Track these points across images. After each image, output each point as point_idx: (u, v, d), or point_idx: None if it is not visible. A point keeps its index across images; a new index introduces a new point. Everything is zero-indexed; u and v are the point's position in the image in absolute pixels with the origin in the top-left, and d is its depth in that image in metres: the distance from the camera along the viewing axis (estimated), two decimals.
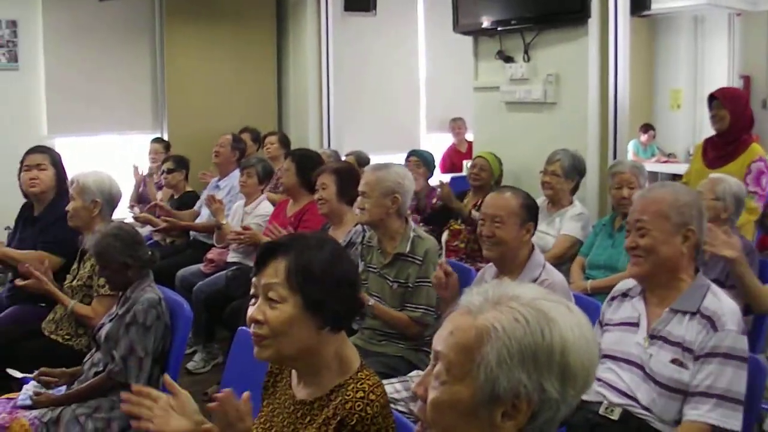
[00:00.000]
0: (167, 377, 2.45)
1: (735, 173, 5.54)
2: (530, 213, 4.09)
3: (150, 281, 4.29)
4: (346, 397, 2.34)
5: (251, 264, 6.18)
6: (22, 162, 5.72)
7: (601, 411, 3.27)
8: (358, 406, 2.31)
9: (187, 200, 8.06)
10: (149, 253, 4.34)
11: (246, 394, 2.47)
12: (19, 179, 6.14)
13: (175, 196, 8.22)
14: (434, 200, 7.30)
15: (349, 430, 2.30)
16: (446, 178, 9.51)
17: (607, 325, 3.48)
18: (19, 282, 4.95)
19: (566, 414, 1.74)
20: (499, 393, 1.68)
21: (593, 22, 6.47)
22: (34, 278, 4.85)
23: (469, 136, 11.02)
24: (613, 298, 3.58)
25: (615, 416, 3.24)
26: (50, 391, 4.23)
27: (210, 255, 6.93)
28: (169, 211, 7.54)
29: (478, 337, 1.71)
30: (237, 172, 7.47)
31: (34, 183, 5.49)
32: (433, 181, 7.74)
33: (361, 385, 2.37)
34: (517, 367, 1.67)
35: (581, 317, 1.77)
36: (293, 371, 2.56)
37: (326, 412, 2.36)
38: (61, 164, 5.61)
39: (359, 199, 4.71)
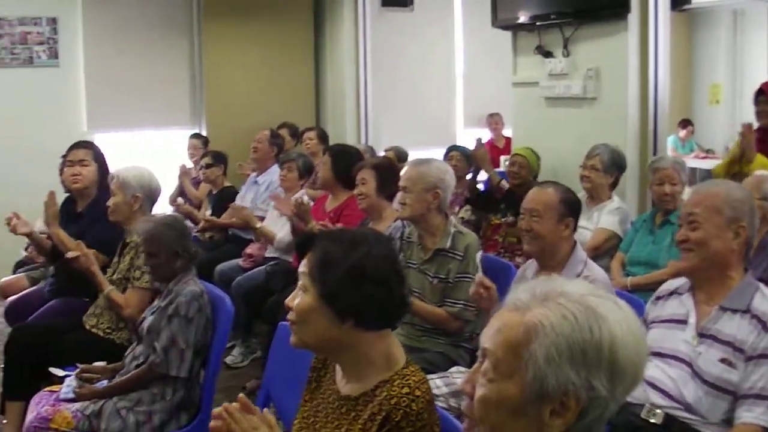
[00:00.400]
0: (242, 396, 2.42)
1: None
2: (570, 208, 4.07)
3: (193, 275, 4.33)
4: (392, 393, 2.34)
5: (290, 259, 6.29)
6: (64, 157, 5.76)
7: (643, 414, 3.25)
8: (404, 402, 2.31)
9: (226, 195, 8.08)
10: (195, 249, 4.38)
11: (266, 410, 2.45)
12: (60, 175, 6.22)
13: (214, 191, 8.26)
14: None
15: (394, 425, 2.30)
16: (484, 175, 9.50)
17: (653, 322, 3.45)
18: (69, 254, 4.95)
19: (614, 411, 1.73)
20: (548, 390, 1.67)
21: (633, 16, 6.42)
22: (83, 254, 4.88)
23: (507, 132, 11.00)
24: (658, 298, 3.55)
25: (657, 420, 3.22)
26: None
27: (249, 250, 6.96)
28: (214, 223, 7.59)
29: (526, 334, 1.70)
30: (275, 168, 7.50)
31: (76, 179, 5.53)
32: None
33: (406, 381, 2.37)
34: (566, 364, 1.65)
35: (629, 313, 1.75)
36: (338, 367, 2.57)
37: (371, 408, 2.36)
38: (104, 160, 5.63)
39: (400, 194, 4.70)
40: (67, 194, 5.89)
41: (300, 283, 2.48)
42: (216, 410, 2.37)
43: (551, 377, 1.66)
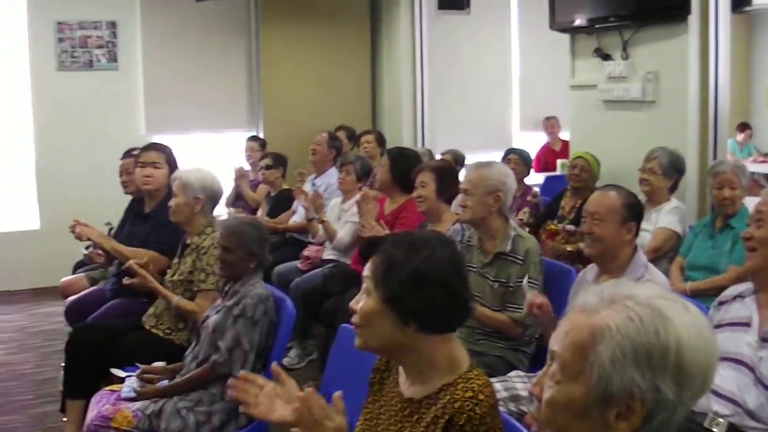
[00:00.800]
0: (275, 365, 2.47)
1: None
2: (632, 212, 4.04)
3: (259, 278, 4.37)
4: (455, 396, 2.34)
5: (348, 261, 6.30)
6: (136, 158, 5.83)
7: (706, 423, 3.21)
8: (467, 405, 2.31)
9: (284, 198, 8.13)
10: (269, 256, 4.43)
11: (337, 393, 2.48)
12: (120, 176, 6.30)
13: (272, 194, 8.30)
14: (529, 197, 7.27)
15: (458, 429, 2.30)
16: (541, 178, 9.47)
17: (716, 327, 3.41)
18: (126, 281, 5.04)
19: (683, 416, 1.71)
20: (613, 393, 1.66)
21: (693, 18, 6.35)
22: (139, 276, 4.94)
23: (563, 135, 10.95)
24: (722, 302, 3.51)
25: (720, 430, 3.18)
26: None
27: (306, 252, 6.99)
28: (272, 227, 7.62)
29: (592, 336, 1.69)
30: (333, 170, 7.54)
31: (147, 180, 5.60)
32: (529, 181, 7.71)
33: (470, 384, 2.37)
34: (631, 366, 1.64)
35: (699, 317, 1.73)
36: (401, 369, 2.57)
37: (434, 411, 2.36)
38: (175, 163, 5.69)
39: (460, 196, 4.68)
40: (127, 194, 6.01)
41: (364, 286, 2.49)
42: (243, 373, 2.48)
43: (616, 379, 1.65)
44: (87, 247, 7.19)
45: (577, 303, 1.80)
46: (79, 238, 5.59)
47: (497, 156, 7.76)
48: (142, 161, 5.68)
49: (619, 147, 6.96)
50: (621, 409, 1.67)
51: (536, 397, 1.81)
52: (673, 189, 6.02)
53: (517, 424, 2.58)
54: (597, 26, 7.08)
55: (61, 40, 9.53)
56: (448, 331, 2.48)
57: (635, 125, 6.89)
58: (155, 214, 5.49)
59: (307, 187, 7.98)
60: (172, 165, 5.59)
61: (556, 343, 1.78)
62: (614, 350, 1.66)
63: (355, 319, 2.50)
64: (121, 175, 6.42)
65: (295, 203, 7.86)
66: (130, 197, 6.33)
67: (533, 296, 3.90)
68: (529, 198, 7.26)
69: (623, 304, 1.71)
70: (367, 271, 2.49)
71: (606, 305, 1.72)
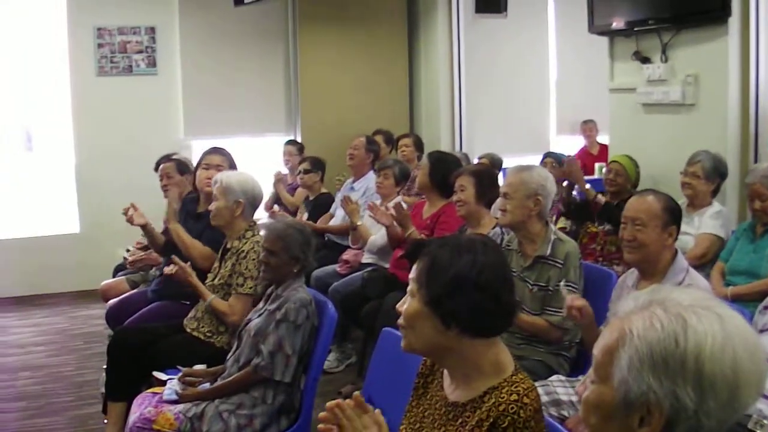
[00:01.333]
0: (357, 394, 2.46)
1: None
2: (673, 216, 4.01)
3: (302, 282, 4.38)
4: (500, 400, 2.34)
5: (386, 265, 6.31)
6: (200, 160, 5.94)
7: (750, 425, 3.17)
8: (512, 408, 2.32)
9: (322, 202, 8.15)
10: (312, 261, 4.45)
11: (377, 411, 2.48)
12: (161, 180, 6.36)
13: (311, 197, 8.32)
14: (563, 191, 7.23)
15: None
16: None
17: (761, 331, 3.39)
18: (167, 269, 5.08)
19: (720, 428, 1.68)
20: (631, 398, 1.66)
21: (734, 20, 6.30)
22: (180, 268, 4.98)
23: (601, 138, 10.91)
24: (766, 307, 3.49)
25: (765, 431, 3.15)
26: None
27: (345, 256, 6.99)
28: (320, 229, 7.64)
29: (618, 341, 1.70)
30: (371, 174, 7.55)
31: (209, 182, 5.64)
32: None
33: (515, 388, 2.37)
34: (647, 372, 1.64)
35: (733, 328, 1.68)
36: (445, 373, 2.58)
37: (479, 414, 2.36)
38: (236, 167, 5.75)
39: (500, 200, 4.68)
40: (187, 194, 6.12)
41: (409, 288, 2.50)
42: (330, 403, 2.40)
43: (633, 384, 1.65)
44: (127, 250, 7.28)
45: (620, 307, 1.80)
46: (130, 221, 5.74)
47: (534, 160, 7.74)
48: (206, 164, 5.81)
49: (658, 150, 6.93)
50: (643, 414, 1.66)
51: (579, 395, 1.82)
52: (715, 193, 5.98)
53: (560, 427, 2.58)
54: (636, 29, 7.04)
55: (100, 45, 9.61)
56: (491, 335, 2.48)
57: (675, 128, 6.85)
58: (208, 213, 5.54)
59: (345, 193, 7.99)
60: (234, 167, 5.64)
61: (596, 344, 1.79)
62: (632, 355, 1.66)
63: (400, 320, 2.51)
64: (161, 179, 6.47)
65: (334, 206, 7.87)
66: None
67: (572, 299, 3.89)
68: (564, 187, 7.22)
69: (651, 309, 1.71)
70: (412, 273, 2.50)
71: (638, 310, 1.73)
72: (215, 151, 5.96)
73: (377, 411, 2.47)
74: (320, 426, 2.40)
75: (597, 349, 1.76)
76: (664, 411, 1.63)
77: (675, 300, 1.71)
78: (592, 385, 1.76)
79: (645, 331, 1.66)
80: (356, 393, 2.46)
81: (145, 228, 5.87)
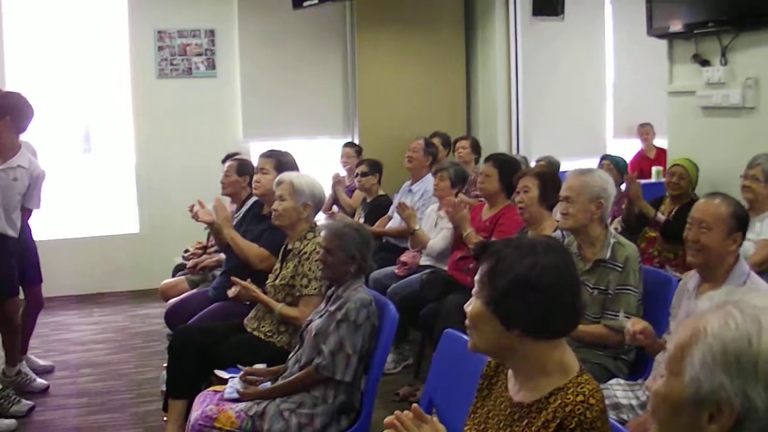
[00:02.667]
0: (415, 406, 2.49)
1: None
2: (740, 223, 3.99)
3: (362, 283, 4.40)
4: (566, 401, 2.36)
5: (445, 267, 6.32)
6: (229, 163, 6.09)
7: None
8: (578, 409, 2.33)
9: (380, 204, 8.19)
10: (371, 263, 4.48)
11: (435, 419, 2.50)
12: (222, 180, 6.49)
13: (368, 200, 8.35)
14: (623, 205, 7.19)
15: None
16: None
17: None
18: (230, 293, 5.16)
19: None
20: (702, 395, 1.66)
21: None
22: (242, 288, 5.06)
23: (658, 142, 10.83)
24: None
25: None
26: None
27: (403, 258, 7.00)
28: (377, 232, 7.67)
29: (691, 337, 1.71)
30: (430, 177, 7.55)
31: (256, 185, 5.82)
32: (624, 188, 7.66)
33: (581, 389, 2.38)
34: (720, 370, 1.65)
35: None
36: (510, 374, 2.60)
37: (545, 415, 2.37)
38: (286, 168, 5.74)
39: (563, 204, 4.65)
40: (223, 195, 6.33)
41: (474, 289, 2.52)
42: (388, 419, 2.43)
43: (705, 381, 1.66)
44: (186, 251, 7.37)
45: (697, 306, 1.81)
46: (195, 217, 5.83)
47: (591, 163, 7.72)
48: (257, 167, 5.91)
49: (718, 154, 6.87)
50: (712, 411, 1.67)
51: (649, 389, 1.84)
52: None
53: (623, 428, 2.59)
54: (695, 32, 6.98)
55: (161, 48, 9.75)
56: (554, 338, 2.49)
57: (734, 132, 6.78)
58: (270, 215, 5.60)
59: (402, 195, 8.02)
60: (282, 170, 5.66)
61: (670, 338, 1.81)
62: (705, 353, 1.67)
63: (466, 321, 2.53)
64: (223, 180, 6.55)
65: (391, 208, 7.89)
66: (228, 199, 6.48)
67: (633, 323, 3.90)
68: (624, 205, 7.18)
69: (726, 310, 1.71)
70: (478, 274, 2.52)
71: (713, 310, 1.74)
72: (264, 154, 6.02)
73: (435, 419, 2.50)
74: None
75: (671, 345, 1.78)
76: (735, 409, 1.64)
77: (750, 302, 1.72)
78: (661, 378, 1.78)
79: (719, 330, 1.67)
80: (414, 405, 2.48)
81: (212, 226, 5.92)
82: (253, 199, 6.12)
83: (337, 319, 4.17)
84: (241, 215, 6.15)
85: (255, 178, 5.86)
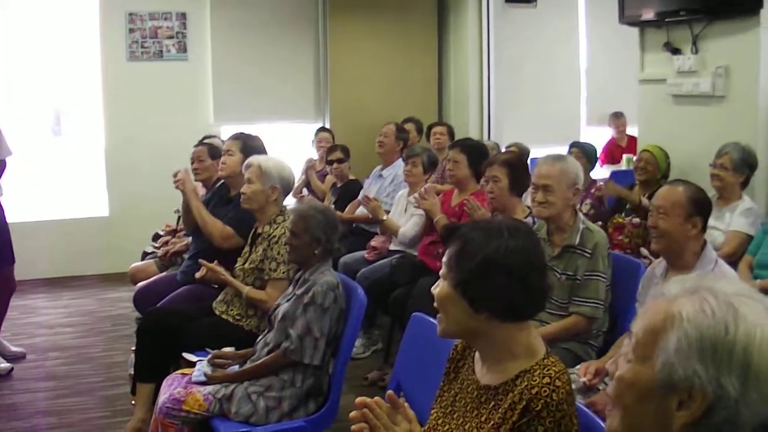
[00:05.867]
0: (391, 393, 2.49)
1: None
2: (698, 207, 4.01)
3: (329, 266, 4.41)
4: (533, 383, 2.36)
5: (415, 253, 6.31)
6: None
7: None
8: (545, 391, 2.34)
9: (350, 189, 8.18)
10: (338, 246, 4.46)
11: (405, 404, 2.52)
12: (191, 164, 6.45)
13: (339, 185, 8.34)
14: (593, 191, 7.22)
15: (535, 415, 2.32)
16: (606, 172, 9.41)
17: None
18: (198, 275, 5.15)
19: (754, 420, 1.67)
20: (674, 381, 1.65)
21: (765, 12, 6.23)
22: (208, 270, 5.04)
23: (630, 131, 10.86)
24: None
25: None
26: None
27: (373, 243, 7.01)
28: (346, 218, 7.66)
29: (664, 322, 1.69)
30: (400, 162, 7.56)
31: (222, 167, 5.82)
32: (594, 174, 7.68)
33: (547, 371, 2.39)
34: (695, 357, 1.63)
35: None
36: (477, 357, 2.60)
37: (511, 397, 2.38)
38: (252, 150, 5.72)
39: (539, 193, 4.58)
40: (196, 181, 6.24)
41: (441, 271, 2.53)
42: (359, 399, 2.43)
43: (679, 368, 1.65)
44: (155, 236, 7.35)
45: (664, 289, 1.80)
46: (177, 184, 5.75)
47: (563, 150, 7.71)
48: (224, 149, 5.92)
49: (688, 142, 6.90)
50: (683, 398, 1.66)
51: (612, 374, 1.82)
52: (744, 185, 5.97)
53: (590, 412, 2.59)
54: (667, 20, 7.00)
55: (131, 30, 9.66)
56: (521, 320, 2.50)
57: (705, 120, 6.82)
58: (237, 197, 5.58)
59: (372, 180, 8.02)
60: (248, 152, 5.64)
61: (634, 323, 1.79)
62: (681, 339, 1.66)
63: (435, 304, 2.54)
64: (192, 163, 6.51)
65: (361, 193, 7.88)
66: (199, 184, 6.45)
67: (585, 369, 4.05)
68: (593, 191, 7.21)
69: (701, 295, 1.70)
70: (444, 256, 2.53)
71: (686, 294, 1.72)
72: (231, 136, 6.04)
73: (405, 404, 2.50)
74: (354, 427, 2.43)
75: (638, 329, 1.76)
76: (707, 397, 1.64)
77: (722, 288, 1.71)
78: (627, 364, 1.76)
79: (695, 316, 1.66)
80: (390, 392, 2.48)
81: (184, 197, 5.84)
82: (221, 182, 6.08)
83: (304, 303, 4.17)
84: (207, 198, 6.12)
85: (221, 160, 5.86)
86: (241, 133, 6.05)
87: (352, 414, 2.42)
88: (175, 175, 5.77)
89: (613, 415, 1.80)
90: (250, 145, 5.79)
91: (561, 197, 4.54)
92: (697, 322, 1.66)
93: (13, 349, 6.90)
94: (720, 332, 1.63)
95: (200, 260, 5.21)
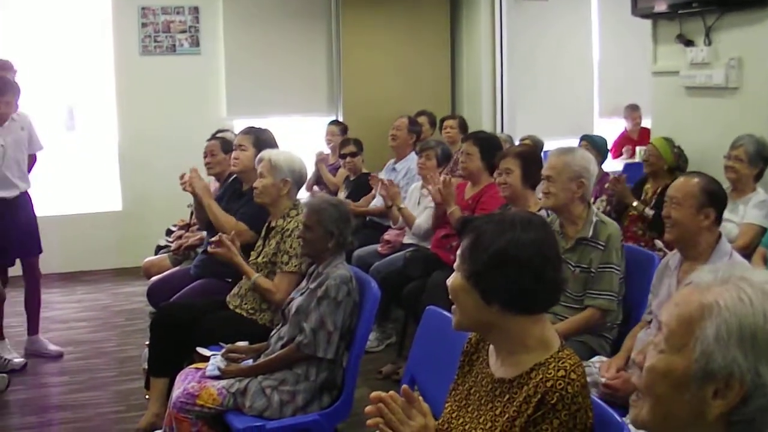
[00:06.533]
0: (406, 387, 2.48)
1: None
2: (711, 198, 4.02)
3: (342, 260, 4.41)
4: (548, 376, 2.37)
5: (428, 246, 6.31)
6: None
7: None
8: (559, 384, 2.34)
9: (364, 182, 8.16)
10: (351, 239, 4.46)
11: (415, 393, 2.50)
12: (204, 158, 6.46)
13: (352, 178, 8.35)
14: (606, 185, 7.19)
15: (550, 408, 2.33)
16: (619, 165, 9.39)
17: None
18: (211, 248, 5.11)
19: None
20: (713, 369, 1.64)
21: None
22: (225, 247, 5.02)
23: (644, 123, 10.81)
24: None
25: None
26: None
27: (386, 236, 7.01)
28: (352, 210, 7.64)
29: (701, 311, 1.68)
30: (413, 155, 7.56)
31: (234, 162, 5.79)
32: (607, 167, 7.66)
33: (562, 364, 2.39)
34: (735, 345, 1.63)
35: None
36: (491, 350, 2.60)
37: (526, 390, 2.38)
38: (264, 145, 5.71)
39: (544, 183, 4.66)
40: (209, 176, 6.38)
41: (456, 263, 2.54)
42: (374, 394, 2.43)
43: (718, 356, 1.64)
44: (169, 231, 7.35)
45: (692, 279, 1.80)
46: (184, 186, 5.75)
47: (576, 142, 7.71)
48: (235, 144, 5.88)
49: (701, 134, 6.87)
50: (719, 387, 1.65)
51: (639, 365, 1.81)
52: (758, 177, 5.94)
53: (604, 405, 2.59)
54: (679, 12, 6.96)
55: (144, 25, 9.68)
56: (534, 312, 2.50)
57: (718, 112, 6.78)
58: (249, 191, 5.58)
59: (385, 173, 8.02)
60: (260, 146, 5.65)
61: (664, 313, 1.77)
62: (720, 327, 1.65)
63: (449, 295, 2.55)
64: (205, 156, 6.51)
65: (375, 189, 7.89)
66: (212, 178, 6.47)
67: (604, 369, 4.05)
68: (606, 185, 7.18)
69: (736, 284, 1.69)
70: (459, 248, 2.54)
71: (719, 283, 1.71)
72: (242, 131, 6.03)
73: (419, 398, 2.50)
74: (369, 422, 2.43)
75: (670, 318, 1.74)
76: (745, 385, 1.63)
77: (755, 277, 1.71)
78: (660, 354, 1.74)
79: (734, 304, 1.66)
80: (405, 386, 2.48)
81: (195, 198, 5.83)
82: (234, 176, 6.08)
83: (318, 296, 4.17)
84: (221, 193, 6.12)
85: (234, 155, 5.83)
86: (252, 127, 6.04)
87: (368, 408, 2.42)
88: (181, 177, 5.76)
89: (639, 405, 1.79)
90: (261, 139, 5.78)
91: (562, 188, 4.56)
92: (735, 311, 1.65)
93: (52, 348, 6.92)
94: (759, 321, 1.63)
95: (219, 234, 5.20)
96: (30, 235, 6.80)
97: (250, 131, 5.93)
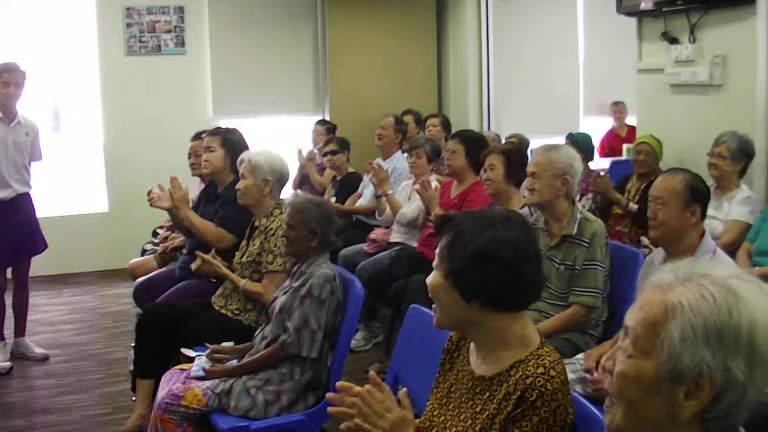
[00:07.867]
0: (373, 374, 2.49)
1: None
2: (696, 195, 4.03)
3: (326, 259, 4.40)
4: (527, 373, 2.37)
5: (414, 244, 6.32)
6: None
7: None
8: (539, 381, 2.34)
9: (350, 181, 8.17)
10: (335, 239, 4.46)
11: (403, 391, 2.53)
12: (188, 158, 6.44)
13: (338, 178, 8.34)
14: (590, 181, 7.20)
15: (529, 405, 2.33)
16: (606, 163, 9.39)
17: None
18: (193, 266, 5.12)
19: (755, 397, 1.69)
20: (682, 370, 1.65)
21: (762, 1, 6.24)
22: (205, 262, 5.03)
23: (629, 120, 10.84)
24: None
25: None
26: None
27: (373, 235, 7.01)
28: (339, 209, 7.63)
29: (664, 313, 1.68)
30: (399, 154, 7.58)
31: (204, 164, 5.74)
32: (594, 165, 7.67)
33: (541, 361, 2.39)
34: (701, 344, 1.63)
35: None
36: (472, 348, 2.60)
37: (506, 388, 2.38)
38: (233, 145, 5.71)
39: (528, 180, 4.68)
40: (193, 176, 6.24)
41: (435, 261, 2.54)
42: (339, 384, 2.45)
43: (686, 357, 1.64)
44: (155, 232, 7.33)
45: (652, 280, 1.80)
46: (152, 203, 5.66)
47: (562, 140, 7.71)
48: (203, 146, 5.85)
49: (686, 131, 6.89)
50: (690, 388, 1.65)
51: (608, 370, 1.81)
52: (741, 174, 5.96)
53: (587, 402, 2.59)
54: (664, 9, 6.97)
55: (129, 25, 9.66)
56: (514, 310, 2.50)
57: (702, 109, 6.80)
58: (224, 193, 5.59)
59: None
60: (229, 147, 5.66)
61: (630, 317, 1.77)
62: (685, 328, 1.65)
63: (429, 293, 2.55)
64: (189, 157, 6.50)
65: (362, 186, 7.89)
66: (197, 179, 6.45)
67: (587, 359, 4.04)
68: (590, 182, 7.18)
69: (697, 282, 1.69)
70: (438, 246, 2.54)
71: (680, 283, 1.71)
72: (209, 132, 6.02)
73: (404, 390, 2.50)
74: (342, 425, 2.44)
75: (635, 323, 1.74)
76: (715, 383, 1.64)
77: (716, 273, 1.71)
78: (628, 359, 1.74)
79: (697, 303, 1.66)
80: (371, 372, 2.48)
81: (170, 211, 5.74)
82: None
83: (301, 295, 4.16)
84: (197, 198, 6.11)
85: (204, 157, 5.77)
86: (219, 128, 6.07)
87: (329, 395, 2.47)
88: (149, 194, 5.66)
89: (613, 411, 1.79)
90: (229, 139, 5.76)
91: (546, 185, 4.56)
92: (699, 310, 1.65)
93: (38, 351, 6.89)
94: (724, 317, 1.64)
95: (196, 252, 5.20)
96: (29, 236, 6.88)
97: (217, 132, 5.90)
